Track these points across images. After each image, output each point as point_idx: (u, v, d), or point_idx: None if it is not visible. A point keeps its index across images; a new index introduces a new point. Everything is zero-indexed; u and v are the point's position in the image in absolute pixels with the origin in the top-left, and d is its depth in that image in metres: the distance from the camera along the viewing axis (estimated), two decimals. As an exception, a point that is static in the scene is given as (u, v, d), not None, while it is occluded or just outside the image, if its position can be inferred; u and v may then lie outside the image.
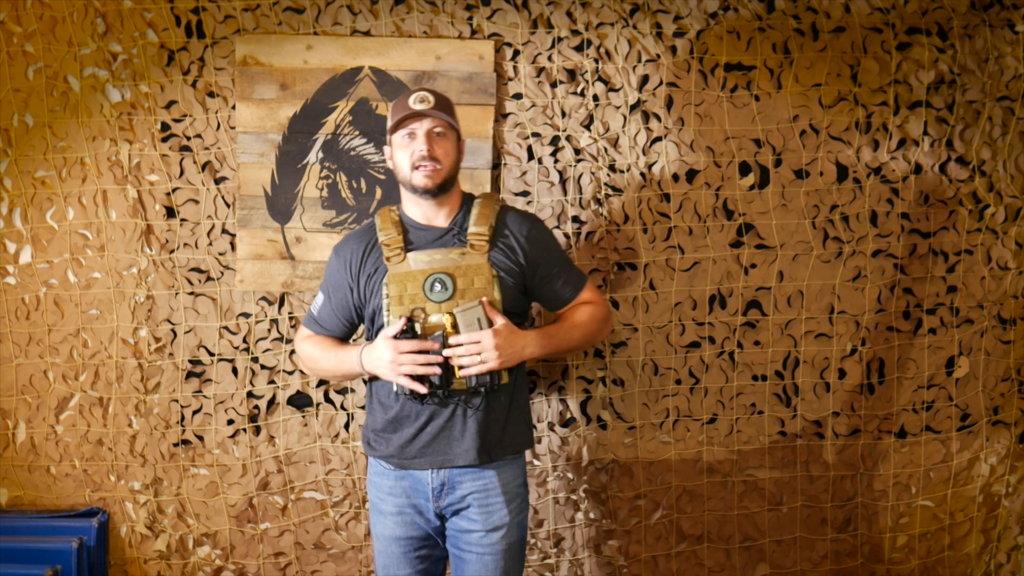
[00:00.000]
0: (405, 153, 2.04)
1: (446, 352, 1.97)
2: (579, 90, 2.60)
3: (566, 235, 2.61)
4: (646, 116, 2.61)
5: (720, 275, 2.64)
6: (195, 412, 2.64)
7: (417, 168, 2.02)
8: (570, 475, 2.68)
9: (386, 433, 2.10)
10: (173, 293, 2.62)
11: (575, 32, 2.59)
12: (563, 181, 2.61)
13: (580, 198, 2.61)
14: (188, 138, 2.59)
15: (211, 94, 2.58)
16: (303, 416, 2.65)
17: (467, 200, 2.15)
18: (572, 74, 2.61)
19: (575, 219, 2.62)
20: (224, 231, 2.61)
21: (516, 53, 2.59)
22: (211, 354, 2.63)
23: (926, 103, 2.63)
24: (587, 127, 2.61)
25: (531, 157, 2.61)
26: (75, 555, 2.52)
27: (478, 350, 1.96)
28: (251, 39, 2.56)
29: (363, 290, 2.11)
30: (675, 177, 2.62)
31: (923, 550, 2.74)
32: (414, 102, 2.03)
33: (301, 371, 2.63)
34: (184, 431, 2.64)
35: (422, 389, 1.98)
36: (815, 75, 2.61)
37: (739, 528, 2.70)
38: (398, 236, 2.08)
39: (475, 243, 2.06)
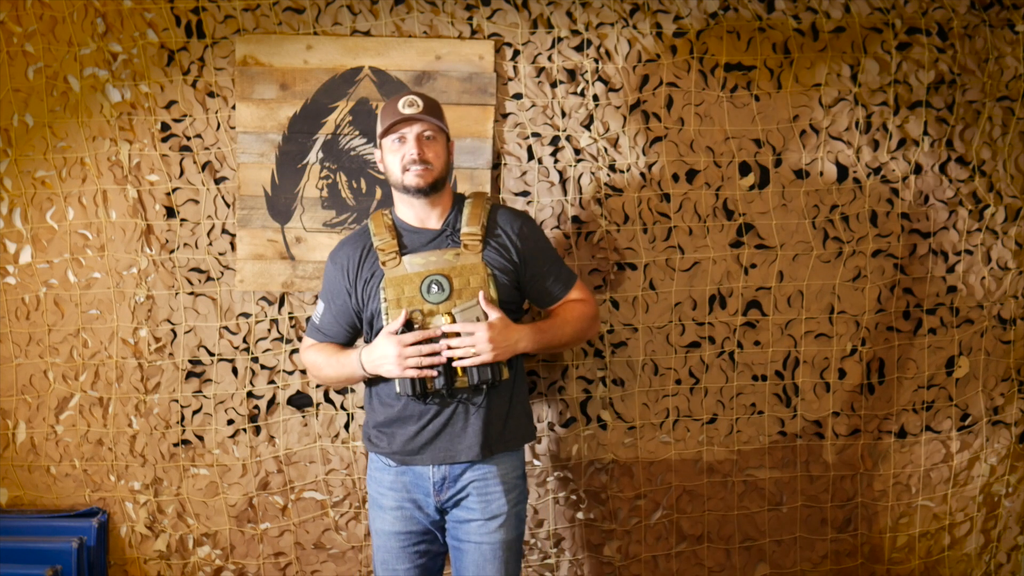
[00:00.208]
0: (396, 157, 2.08)
1: (441, 343, 2.00)
2: (579, 90, 2.60)
3: (566, 235, 2.61)
4: (646, 116, 2.61)
5: (720, 275, 2.64)
6: (195, 412, 2.64)
7: (408, 169, 2.06)
8: (570, 475, 2.68)
9: (388, 430, 2.13)
10: (173, 293, 2.62)
11: (575, 32, 2.59)
12: (563, 181, 2.61)
13: (580, 198, 2.61)
14: (188, 138, 2.59)
15: (211, 94, 2.58)
16: (303, 416, 2.65)
17: (458, 201, 2.18)
18: (572, 74, 2.61)
19: (575, 219, 2.62)
20: (224, 231, 2.61)
21: (516, 53, 2.59)
22: (211, 354, 2.63)
23: (926, 103, 2.63)
24: (587, 127, 2.61)
25: (531, 157, 2.61)
26: (75, 555, 2.52)
27: (472, 343, 1.99)
28: (251, 39, 2.56)
29: (361, 295, 2.13)
30: (675, 177, 2.62)
31: (923, 550, 2.74)
32: (403, 106, 2.06)
33: (301, 371, 2.63)
34: (184, 431, 2.64)
35: (432, 373, 2.00)
36: (815, 75, 2.61)
37: (739, 528, 2.70)
38: (392, 240, 2.11)
39: (468, 243, 2.09)
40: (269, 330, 2.62)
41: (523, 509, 2.19)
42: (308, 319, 2.62)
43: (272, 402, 2.65)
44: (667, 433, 2.67)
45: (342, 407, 2.65)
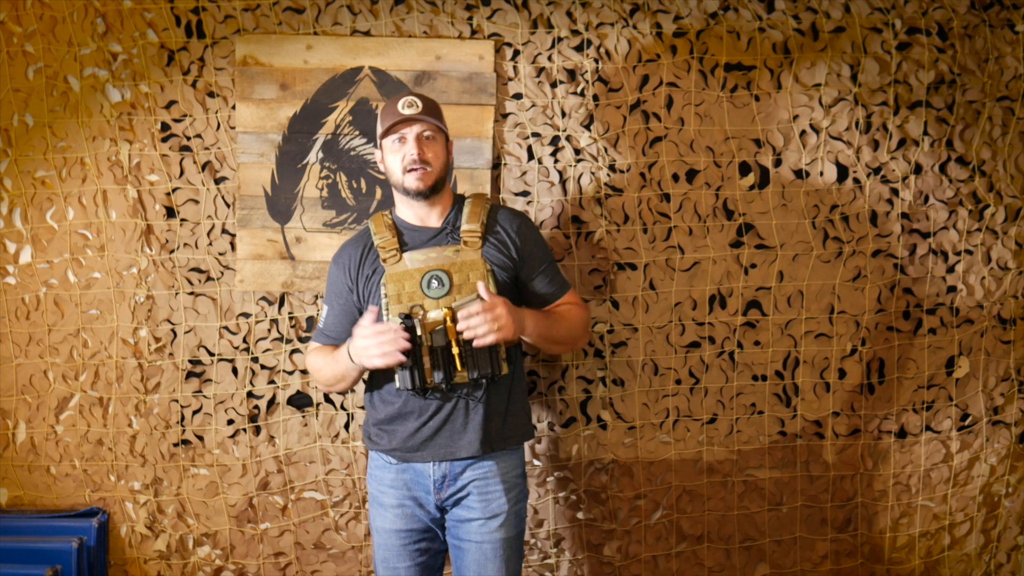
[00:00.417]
0: (396, 157, 2.11)
1: (460, 326, 1.98)
2: (579, 90, 2.60)
3: (566, 235, 2.61)
4: (646, 116, 2.61)
5: (720, 275, 2.64)
6: (195, 412, 2.64)
7: (409, 171, 2.08)
8: (570, 475, 2.68)
9: (389, 427, 2.14)
10: (173, 293, 2.62)
11: (575, 32, 2.59)
12: (563, 181, 2.61)
13: (580, 198, 2.61)
14: (188, 138, 2.59)
15: (211, 94, 2.58)
16: (303, 416, 2.65)
17: (458, 200, 2.21)
18: (572, 74, 2.61)
19: (575, 219, 2.62)
20: (224, 231, 2.61)
21: (516, 53, 2.59)
22: (211, 354, 2.63)
23: (926, 103, 2.63)
24: (587, 127, 2.61)
25: (531, 157, 2.61)
26: (75, 555, 2.52)
27: (493, 317, 1.97)
28: (251, 39, 2.56)
29: (362, 291, 2.16)
30: (675, 177, 2.62)
31: (923, 550, 2.74)
32: (403, 107, 2.09)
33: (301, 371, 2.63)
34: (184, 431, 2.64)
35: (400, 359, 1.98)
36: (815, 75, 2.61)
37: (739, 528, 2.70)
38: (393, 238, 2.13)
39: (468, 240, 2.12)
40: (269, 330, 2.62)
41: (523, 508, 2.20)
42: (308, 319, 2.62)
43: (272, 402, 2.65)
44: (667, 433, 2.67)
45: (342, 407, 2.65)
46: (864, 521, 2.72)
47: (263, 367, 2.63)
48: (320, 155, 2.59)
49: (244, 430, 2.64)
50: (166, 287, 2.61)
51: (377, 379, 2.17)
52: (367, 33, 2.58)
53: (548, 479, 2.67)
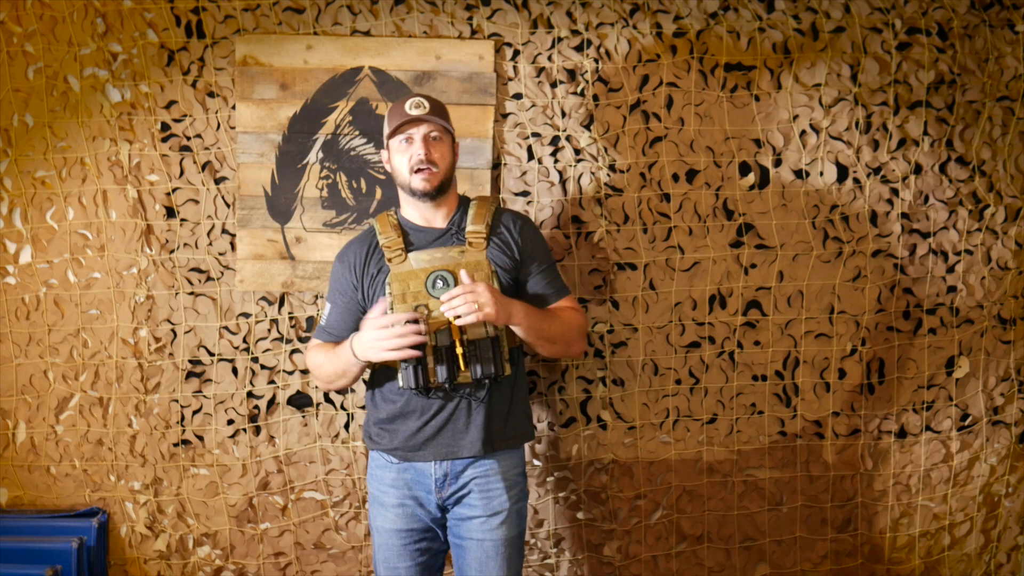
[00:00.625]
0: (403, 157, 2.12)
1: (443, 308, 1.98)
2: (579, 90, 2.60)
3: (566, 235, 2.61)
4: (646, 116, 2.61)
5: (720, 275, 2.64)
6: (195, 412, 2.64)
7: (416, 172, 2.09)
8: (570, 475, 2.68)
9: (391, 426, 2.14)
10: (173, 293, 2.62)
11: (575, 32, 2.59)
12: (563, 181, 2.61)
13: (580, 198, 2.61)
14: (188, 138, 2.59)
15: (211, 94, 2.58)
16: (303, 416, 2.65)
17: (463, 202, 2.23)
18: (572, 74, 2.61)
19: (575, 219, 2.62)
20: (224, 231, 2.61)
21: (516, 53, 2.59)
22: (211, 354, 2.63)
23: (926, 103, 2.63)
24: (587, 127, 2.61)
25: (531, 157, 2.61)
26: (75, 555, 2.52)
27: (474, 298, 1.97)
28: (251, 39, 2.56)
29: (367, 290, 2.17)
30: (675, 177, 2.62)
31: (923, 550, 2.74)
32: (410, 108, 2.10)
33: (301, 371, 2.63)
34: (184, 431, 2.64)
35: (414, 353, 1.99)
36: (815, 75, 2.61)
37: (739, 528, 2.70)
38: (398, 238, 2.14)
39: (473, 241, 2.13)
40: (269, 330, 2.62)
41: (524, 507, 2.20)
42: (308, 319, 2.62)
43: (272, 402, 2.65)
44: (667, 433, 2.67)
45: (342, 407, 2.65)
46: (864, 521, 2.72)
47: (263, 367, 2.63)
48: (320, 155, 2.59)
49: (244, 430, 2.64)
50: (166, 287, 2.61)
51: (379, 378, 2.18)
52: (367, 33, 2.58)
53: (548, 479, 2.67)
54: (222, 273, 2.61)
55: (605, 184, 2.61)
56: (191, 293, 2.62)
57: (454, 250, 2.12)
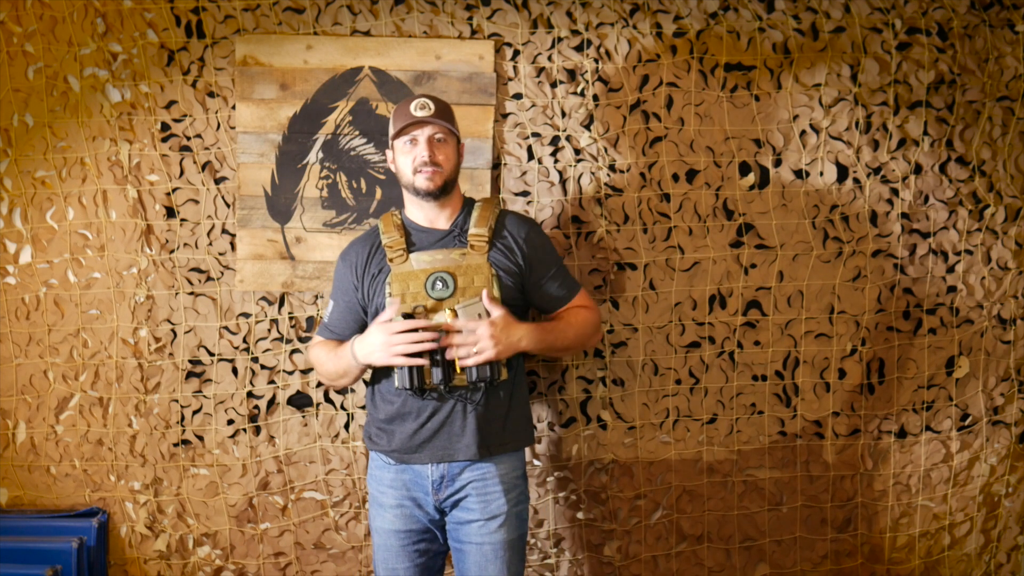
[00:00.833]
0: (408, 158, 2.12)
1: (444, 342, 2.01)
2: (579, 90, 2.60)
3: (566, 235, 2.61)
4: (646, 116, 2.61)
5: (720, 275, 2.64)
6: (195, 412, 2.64)
7: (419, 172, 2.09)
8: (570, 475, 2.68)
9: (388, 427, 2.14)
10: (173, 293, 2.61)
11: (575, 32, 2.59)
12: (563, 181, 2.61)
13: (580, 198, 2.61)
14: (188, 138, 2.59)
15: (211, 94, 2.58)
16: (303, 416, 2.65)
17: (468, 204, 2.22)
18: (572, 74, 2.61)
19: (575, 219, 2.62)
20: (224, 231, 2.61)
21: (516, 53, 2.59)
22: (211, 354, 2.63)
23: (926, 103, 2.63)
24: (587, 127, 2.61)
25: (531, 157, 2.61)
26: (75, 555, 2.52)
27: (474, 340, 2.00)
28: (251, 39, 2.56)
29: (368, 289, 2.17)
30: (675, 177, 2.62)
31: (923, 550, 2.74)
32: (415, 109, 2.10)
33: (301, 371, 2.63)
34: (184, 431, 2.64)
35: (421, 362, 2.01)
36: (815, 75, 2.61)
37: (739, 528, 2.70)
38: (400, 238, 2.14)
39: (475, 244, 2.12)
40: (269, 330, 2.62)
41: (524, 510, 2.19)
42: (308, 319, 2.62)
43: (272, 402, 2.65)
44: (667, 433, 2.67)
45: (342, 407, 2.65)
46: (864, 521, 2.72)
47: (263, 367, 2.63)
48: (320, 155, 2.59)
49: (244, 430, 2.64)
50: (166, 287, 2.61)
51: (379, 378, 2.18)
52: (367, 33, 2.58)
53: (548, 479, 2.67)
54: (222, 273, 2.61)
55: (605, 184, 2.61)
56: (191, 293, 2.61)
57: (455, 252, 2.11)
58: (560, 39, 2.59)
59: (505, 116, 2.60)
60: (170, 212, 2.61)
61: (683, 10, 2.59)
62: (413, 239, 2.16)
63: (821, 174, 2.63)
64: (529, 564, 2.70)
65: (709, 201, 2.62)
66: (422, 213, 2.17)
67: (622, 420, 2.66)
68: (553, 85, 2.60)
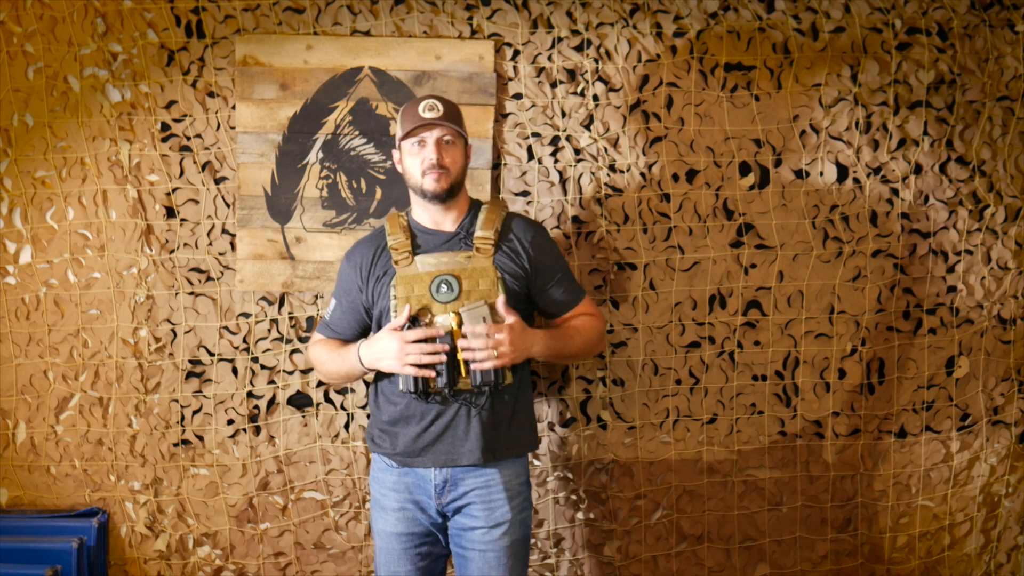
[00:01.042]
0: (416, 160, 2.11)
1: (461, 343, 2.00)
2: (579, 90, 2.60)
3: (566, 235, 2.61)
4: (646, 116, 2.61)
5: (720, 275, 2.64)
6: (195, 412, 2.64)
7: (427, 174, 2.08)
8: (570, 475, 2.68)
9: (392, 429, 2.13)
10: (173, 293, 2.61)
11: (575, 32, 2.59)
12: (563, 181, 2.61)
13: (580, 198, 2.61)
14: (188, 138, 2.59)
15: (211, 94, 2.58)
16: (303, 416, 2.65)
17: (474, 206, 2.20)
18: (572, 74, 2.61)
19: (575, 219, 2.62)
20: (224, 231, 2.61)
21: (516, 53, 2.59)
22: (211, 354, 2.63)
23: (926, 103, 2.63)
24: (587, 127, 2.61)
25: (531, 157, 2.61)
26: (75, 555, 2.52)
27: (495, 344, 1.99)
28: (251, 39, 2.56)
29: (372, 292, 2.15)
30: (675, 177, 2.62)
31: (923, 550, 2.74)
32: (424, 110, 2.09)
33: (301, 371, 2.63)
34: (184, 431, 2.64)
35: (430, 373, 2.01)
36: (815, 75, 2.61)
37: (739, 528, 2.70)
38: (406, 240, 2.13)
39: (481, 247, 2.11)
40: (269, 330, 2.62)
41: (528, 516, 2.17)
42: (308, 319, 2.62)
43: (272, 402, 2.65)
44: (667, 433, 2.67)
45: (342, 407, 2.65)
46: (864, 521, 2.72)
47: (263, 367, 2.63)
48: (320, 155, 2.59)
49: (244, 430, 2.64)
50: (166, 287, 2.61)
51: (383, 379, 2.16)
52: (367, 33, 2.58)
53: (548, 479, 2.67)
54: (222, 273, 2.61)
55: (605, 184, 2.61)
56: (191, 293, 2.62)
57: (461, 255, 2.10)
58: (560, 39, 2.59)
59: (505, 116, 2.60)
60: (170, 212, 2.61)
61: (683, 10, 2.59)
62: (419, 241, 2.15)
63: (821, 174, 2.63)
64: (529, 564, 2.69)
65: (709, 201, 2.62)
66: (428, 215, 2.16)
67: (622, 420, 2.66)
68: (553, 85, 2.60)
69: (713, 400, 2.67)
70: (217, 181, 2.60)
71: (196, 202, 2.61)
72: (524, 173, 2.61)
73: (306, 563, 2.69)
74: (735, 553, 2.71)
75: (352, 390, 2.64)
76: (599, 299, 2.62)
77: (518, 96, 2.60)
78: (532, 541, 2.68)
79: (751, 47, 2.60)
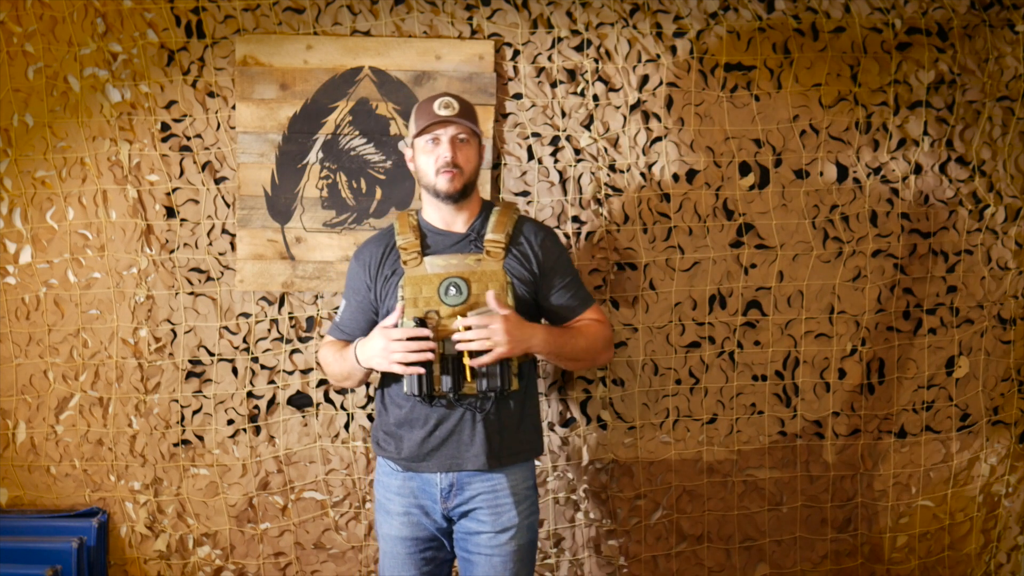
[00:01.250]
0: (429, 158, 2.06)
1: (456, 336, 1.98)
2: (579, 90, 2.60)
3: (566, 235, 2.61)
4: (646, 116, 2.61)
5: (720, 275, 2.64)
6: (195, 412, 2.64)
7: (441, 173, 2.05)
8: (570, 475, 2.68)
9: (397, 432, 2.10)
10: (173, 293, 2.62)
11: (575, 32, 2.59)
12: (563, 181, 2.61)
13: (580, 198, 2.61)
14: (188, 138, 2.59)
15: (211, 94, 2.58)
16: (303, 416, 2.65)
17: (486, 208, 2.17)
18: (572, 74, 2.61)
19: (575, 219, 2.62)
20: (224, 231, 2.61)
21: (516, 53, 2.59)
22: (211, 354, 2.63)
23: (926, 103, 2.63)
24: (587, 127, 2.61)
25: (531, 157, 2.61)
26: (75, 555, 2.52)
27: (488, 334, 1.96)
28: (251, 39, 2.56)
29: (380, 291, 2.13)
30: (675, 177, 2.62)
31: (923, 550, 2.74)
32: (439, 107, 2.04)
33: (301, 371, 2.63)
34: (184, 431, 2.64)
35: (419, 370, 1.98)
36: (815, 75, 2.61)
37: (739, 528, 2.70)
38: (416, 240, 2.10)
39: (491, 250, 2.08)
40: (269, 330, 2.62)
41: (535, 521, 2.15)
42: (308, 319, 2.63)
43: (272, 402, 2.65)
44: (667, 433, 2.67)
45: (342, 407, 2.65)
46: (864, 521, 2.72)
47: (263, 367, 2.63)
48: (320, 155, 2.59)
49: (244, 430, 2.64)
50: (166, 287, 2.61)
51: (389, 381, 2.13)
52: (367, 33, 2.58)
53: (548, 479, 2.67)
54: (222, 273, 2.61)
55: (605, 184, 2.61)
56: (191, 293, 2.62)
57: (470, 257, 2.07)
58: (560, 39, 2.59)
59: (505, 116, 2.60)
60: (170, 212, 2.61)
61: (683, 10, 2.59)
62: (428, 241, 2.11)
63: (821, 174, 2.63)
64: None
65: (709, 201, 2.62)
66: (439, 215, 2.12)
67: (622, 420, 2.66)
68: (553, 85, 2.60)
69: (713, 400, 2.67)
70: (217, 181, 2.60)
71: (196, 202, 2.61)
72: (524, 173, 2.61)
73: (306, 563, 2.69)
74: (735, 553, 2.71)
75: (352, 390, 2.64)
76: (599, 299, 2.62)
77: (518, 96, 2.60)
78: (532, 541, 2.68)
79: (751, 47, 2.60)
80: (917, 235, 2.65)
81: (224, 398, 2.63)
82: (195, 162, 2.59)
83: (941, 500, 2.72)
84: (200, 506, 2.66)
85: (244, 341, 2.63)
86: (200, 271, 2.62)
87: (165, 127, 2.60)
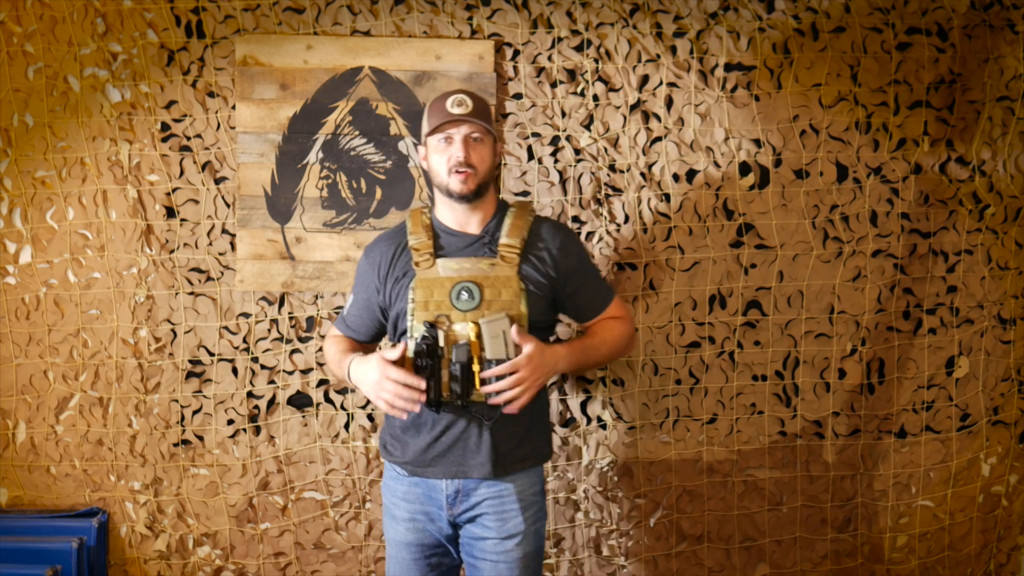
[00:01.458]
0: (442, 157, 2.02)
1: (484, 389, 1.92)
2: (579, 90, 2.60)
3: (566, 235, 2.61)
4: (646, 116, 2.61)
5: (720, 275, 2.64)
6: (195, 412, 2.64)
7: (453, 173, 2.00)
8: (570, 475, 2.68)
9: (403, 437, 2.07)
10: (173, 293, 2.62)
11: (575, 32, 2.59)
12: (563, 181, 2.61)
13: (580, 198, 2.61)
14: (188, 138, 2.59)
15: (211, 94, 2.58)
16: (303, 416, 2.65)
17: (501, 208, 2.11)
18: (572, 74, 2.61)
19: (575, 219, 2.62)
20: (224, 231, 2.61)
21: (516, 53, 2.59)
22: (211, 354, 2.63)
23: (926, 103, 2.63)
24: (587, 127, 2.61)
25: (531, 157, 2.61)
26: (75, 555, 2.52)
27: (516, 382, 1.91)
28: (251, 39, 2.56)
29: (389, 293, 2.08)
30: (675, 177, 2.62)
31: (923, 550, 2.74)
32: (452, 106, 2.00)
33: (301, 371, 2.63)
34: (184, 431, 2.64)
35: (401, 415, 1.95)
36: (815, 75, 2.61)
37: (739, 528, 2.70)
38: (428, 241, 2.05)
39: (506, 255, 2.02)
40: (269, 330, 2.62)
41: (542, 527, 2.11)
42: (308, 319, 2.63)
43: (272, 402, 2.65)
44: (667, 433, 2.67)
45: (342, 407, 2.65)
46: (864, 521, 2.72)
47: (263, 367, 2.63)
48: (320, 155, 2.59)
49: (244, 430, 2.64)
50: (166, 287, 2.61)
51: None
52: (367, 33, 2.58)
53: (548, 479, 2.67)
54: (222, 273, 2.61)
55: (605, 184, 2.61)
56: (191, 293, 2.62)
57: (484, 262, 2.00)
58: (560, 39, 2.59)
59: (505, 116, 2.60)
60: (170, 212, 2.61)
61: (683, 10, 2.59)
62: (442, 242, 2.05)
63: (821, 174, 2.63)
64: (529, 564, 2.70)
65: (709, 201, 2.62)
66: (453, 216, 2.06)
67: (622, 420, 2.66)
68: (553, 85, 2.60)
69: (713, 400, 2.67)
70: (217, 181, 2.60)
71: (196, 202, 2.61)
72: (524, 173, 2.61)
73: (306, 563, 2.69)
74: (735, 553, 2.71)
75: (352, 390, 2.64)
76: (599, 299, 2.62)
77: (518, 96, 2.60)
78: (532, 541, 2.68)
79: (751, 47, 2.60)
80: (917, 235, 2.65)
81: (224, 398, 2.63)
82: (195, 162, 2.59)
83: (941, 500, 2.72)
84: (200, 506, 2.66)
85: (244, 341, 2.63)
86: (200, 271, 2.62)
87: (165, 127, 2.60)
